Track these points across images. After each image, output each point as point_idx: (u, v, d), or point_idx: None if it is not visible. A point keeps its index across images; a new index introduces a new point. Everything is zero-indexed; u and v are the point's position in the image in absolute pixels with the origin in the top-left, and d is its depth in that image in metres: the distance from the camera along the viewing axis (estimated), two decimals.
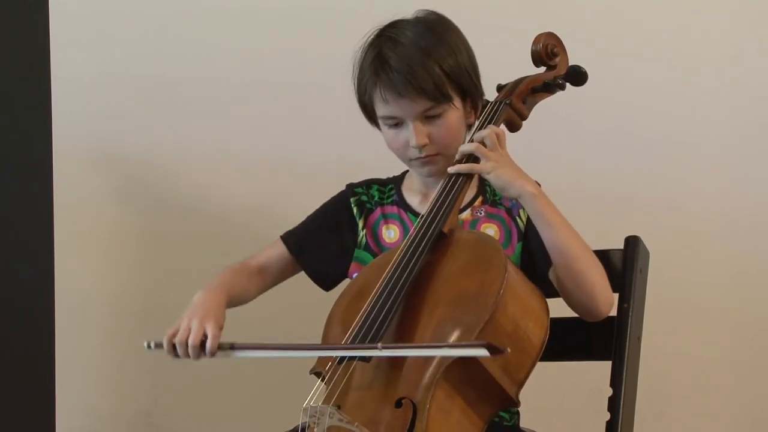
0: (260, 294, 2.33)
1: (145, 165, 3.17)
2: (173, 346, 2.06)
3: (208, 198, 3.17)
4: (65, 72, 3.00)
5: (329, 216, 2.36)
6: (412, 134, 2.21)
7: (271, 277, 2.31)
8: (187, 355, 2.05)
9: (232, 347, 2.02)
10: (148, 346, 2.07)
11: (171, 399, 3.20)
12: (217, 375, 3.15)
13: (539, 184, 2.17)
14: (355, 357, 1.95)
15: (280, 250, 2.33)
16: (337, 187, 2.41)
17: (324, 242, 2.33)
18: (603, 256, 2.24)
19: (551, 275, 2.18)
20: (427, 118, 2.21)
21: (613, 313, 2.22)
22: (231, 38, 3.17)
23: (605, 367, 2.27)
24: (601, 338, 2.23)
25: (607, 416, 2.23)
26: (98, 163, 3.15)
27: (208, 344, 2.04)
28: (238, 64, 3.17)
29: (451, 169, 2.15)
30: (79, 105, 3.13)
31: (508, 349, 1.77)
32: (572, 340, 2.20)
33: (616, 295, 2.23)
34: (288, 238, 2.34)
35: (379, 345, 1.89)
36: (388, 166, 2.40)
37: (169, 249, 3.19)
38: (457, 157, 2.18)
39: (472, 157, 2.15)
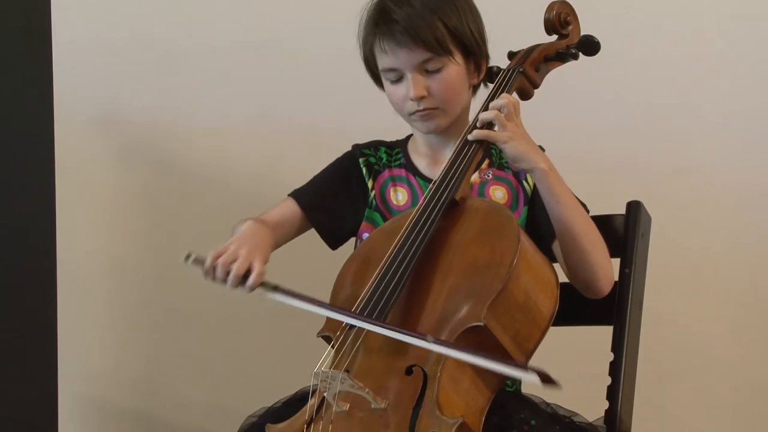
0: (274, 250, 2.27)
1: (148, 128, 3.16)
2: (214, 267, 2.02)
3: (211, 161, 3.17)
4: (66, 33, 2.98)
5: (339, 174, 2.36)
6: (410, 85, 2.21)
7: (284, 234, 2.29)
8: (224, 281, 2.01)
9: (276, 289, 1.99)
10: (187, 258, 2.02)
11: (174, 363, 3.20)
12: (221, 339, 3.18)
13: (542, 149, 2.19)
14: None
15: (290, 207, 2.32)
16: (340, 151, 2.41)
17: (335, 200, 2.33)
18: (605, 221, 2.27)
19: (555, 249, 2.20)
20: (427, 71, 2.21)
21: (615, 278, 2.23)
22: (233, 0, 3.18)
23: (606, 332, 2.29)
24: (602, 303, 2.23)
25: (608, 381, 2.24)
26: (100, 125, 3.15)
27: (252, 278, 2.00)
28: (240, 27, 3.16)
29: (470, 137, 2.14)
30: (81, 66, 3.11)
31: (562, 386, 1.75)
32: (573, 306, 2.18)
33: (617, 260, 2.25)
34: (298, 196, 2.33)
35: (429, 337, 1.87)
36: (391, 131, 2.41)
37: (171, 212, 3.18)
38: (476, 123, 2.17)
39: (488, 124, 2.15)
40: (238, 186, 3.15)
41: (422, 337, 1.88)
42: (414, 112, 2.24)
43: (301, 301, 1.96)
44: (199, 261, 2.02)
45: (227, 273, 2.01)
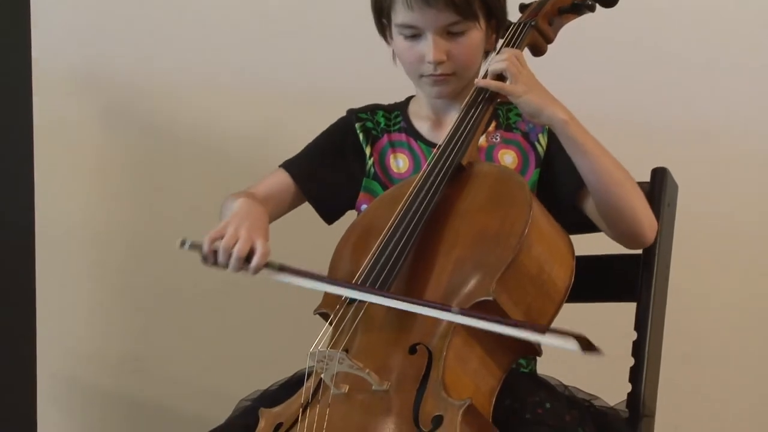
0: None
1: (133, 88, 3.14)
2: (214, 252, 2.00)
3: (200, 124, 3.16)
4: None
5: (334, 142, 2.36)
6: (430, 48, 2.19)
7: (275, 209, 2.28)
8: (227, 265, 1.99)
9: (282, 269, 1.98)
10: (182, 244, 1.98)
11: (161, 342, 3.20)
12: (213, 316, 3.18)
13: None
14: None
15: (281, 179, 2.31)
16: (336, 115, 2.40)
17: (329, 170, 2.33)
18: None
19: (587, 207, 2.19)
20: (449, 33, 2.19)
21: (638, 250, 2.23)
22: None
23: (629, 309, 2.28)
24: (624, 278, 2.24)
25: (631, 362, 2.24)
26: (82, 85, 3.13)
27: (256, 259, 1.97)
28: None
29: (479, 82, 2.14)
30: (60, 22, 3.10)
31: (604, 352, 1.73)
32: (593, 280, 2.19)
33: None
34: (290, 167, 2.32)
35: (454, 307, 1.88)
36: (389, 94, 2.40)
37: (158, 179, 3.17)
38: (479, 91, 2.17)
39: (499, 77, 2.14)
40: (228, 151, 3.14)
41: (444, 307, 1.87)
42: (428, 75, 2.23)
43: (307, 279, 1.96)
44: (196, 246, 1.99)
45: (229, 256, 1.98)
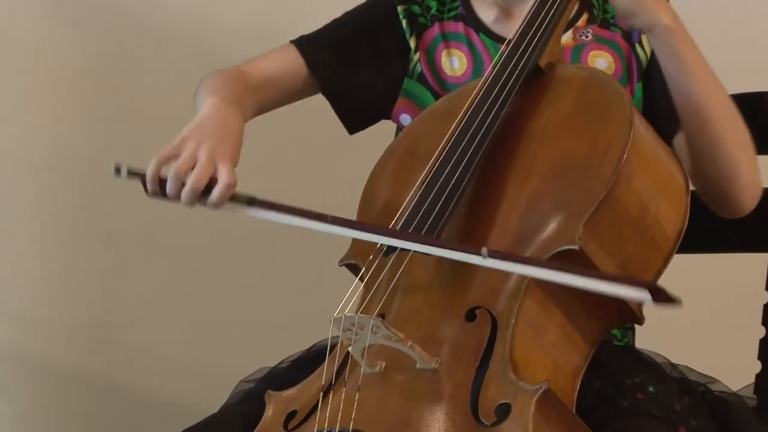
0: (255, 117, 2.29)
1: None
2: (160, 180, 1.98)
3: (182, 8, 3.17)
4: None
5: (367, 24, 2.37)
6: None
7: (275, 96, 2.30)
8: (178, 196, 1.97)
9: (250, 203, 1.97)
10: (117, 171, 1.97)
11: (132, 306, 3.22)
12: (203, 270, 3.19)
13: None
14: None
15: (290, 58, 2.33)
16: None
17: (358, 60, 2.35)
18: (752, 102, 2.30)
19: (676, 143, 2.20)
20: None
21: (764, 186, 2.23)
22: None
23: (759, 262, 2.31)
24: (755, 221, 2.22)
25: (762, 332, 2.26)
26: None
27: (218, 191, 1.96)
28: None
29: None
30: None
31: (682, 302, 1.72)
32: (711, 224, 2.20)
33: None
34: (304, 45, 2.33)
35: (484, 250, 1.84)
36: None
37: (127, 82, 3.18)
38: None
39: None
40: (218, 40, 3.16)
41: (475, 252, 1.85)
42: None
43: (295, 217, 1.95)
44: (136, 173, 1.98)
45: (181, 186, 1.96)
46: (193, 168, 1.97)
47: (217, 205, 1.97)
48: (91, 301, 3.22)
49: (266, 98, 2.26)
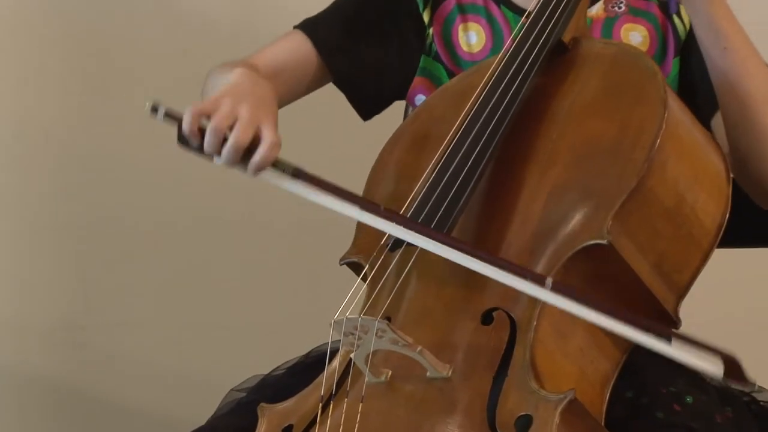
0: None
1: None
2: (200, 130, 1.94)
3: None
4: None
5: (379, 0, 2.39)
6: None
7: (287, 89, 2.29)
8: (218, 151, 1.94)
9: (296, 174, 1.94)
10: (154, 110, 1.94)
11: (110, 301, 3.24)
12: (191, 266, 3.20)
13: None
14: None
15: (298, 45, 2.34)
16: None
17: (371, 39, 2.37)
18: None
19: (715, 124, 2.22)
20: None
21: None
22: None
23: None
24: None
25: None
26: None
27: (262, 150, 1.92)
28: None
29: None
30: None
31: (756, 384, 1.75)
32: (756, 218, 2.22)
33: None
34: (311, 29, 2.35)
35: (549, 280, 1.83)
36: None
37: (117, 51, 3.20)
38: None
39: None
40: (214, 13, 3.18)
41: (540, 276, 1.85)
42: None
43: (333, 198, 1.94)
44: (172, 117, 1.95)
45: (222, 141, 1.93)
46: (233, 125, 1.94)
47: (259, 168, 1.94)
48: (66, 300, 3.26)
49: (280, 89, 2.20)
